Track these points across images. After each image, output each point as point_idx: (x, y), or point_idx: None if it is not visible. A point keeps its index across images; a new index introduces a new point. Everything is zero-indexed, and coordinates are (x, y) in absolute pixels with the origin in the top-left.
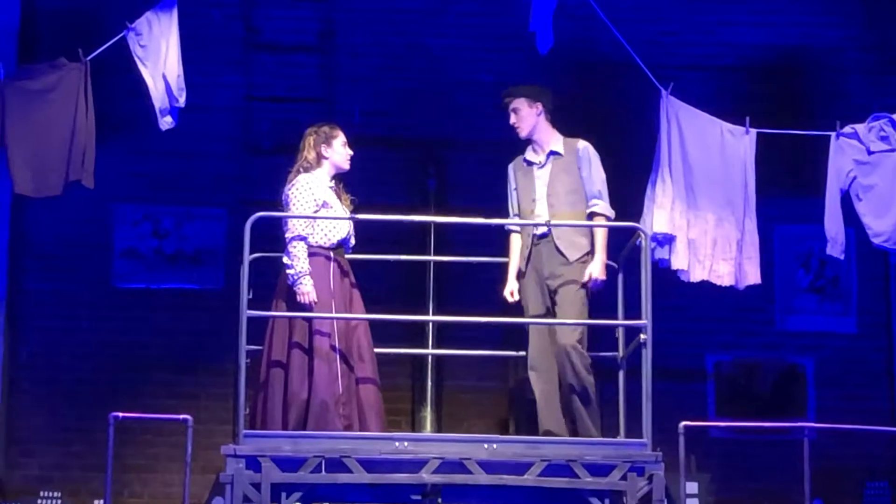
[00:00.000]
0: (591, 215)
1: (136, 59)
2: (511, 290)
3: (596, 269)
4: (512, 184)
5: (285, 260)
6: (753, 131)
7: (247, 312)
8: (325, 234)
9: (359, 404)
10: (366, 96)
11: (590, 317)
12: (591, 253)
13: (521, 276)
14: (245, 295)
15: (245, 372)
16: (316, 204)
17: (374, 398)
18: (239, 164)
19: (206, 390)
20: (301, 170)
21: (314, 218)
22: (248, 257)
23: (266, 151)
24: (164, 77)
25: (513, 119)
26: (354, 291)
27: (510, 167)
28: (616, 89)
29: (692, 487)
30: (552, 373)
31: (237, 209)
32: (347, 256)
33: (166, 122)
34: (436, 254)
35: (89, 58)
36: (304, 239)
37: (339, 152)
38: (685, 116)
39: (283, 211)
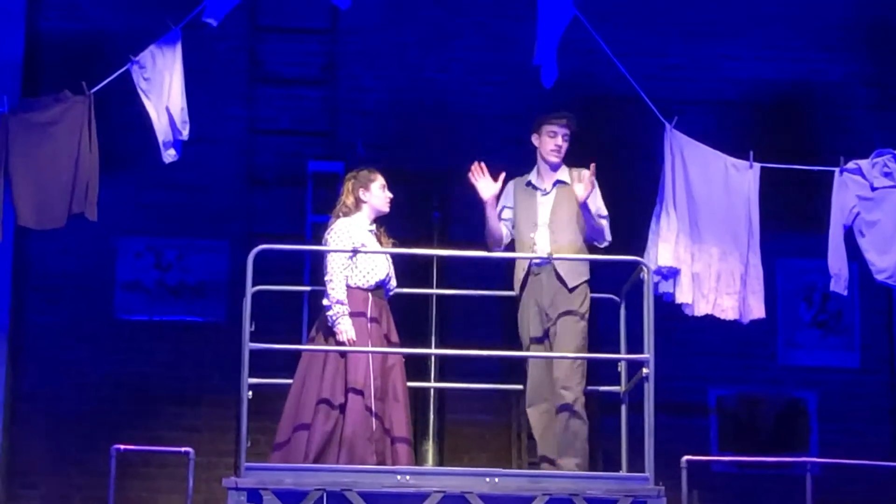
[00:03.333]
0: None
1: (139, 91)
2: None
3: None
4: (509, 201)
5: (325, 302)
6: (757, 166)
7: (249, 345)
8: (364, 276)
9: (391, 444)
10: (369, 129)
11: (591, 350)
12: (589, 281)
13: (517, 301)
14: (247, 327)
15: (247, 404)
16: (353, 247)
17: (406, 439)
18: (242, 197)
19: (208, 423)
20: (340, 214)
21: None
22: (250, 290)
23: (269, 184)
24: (168, 110)
25: (561, 142)
26: (392, 333)
27: (511, 183)
28: (620, 123)
29: None
30: (550, 405)
31: (240, 241)
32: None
33: (170, 155)
34: (439, 287)
35: (93, 91)
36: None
37: (377, 196)
38: (689, 150)
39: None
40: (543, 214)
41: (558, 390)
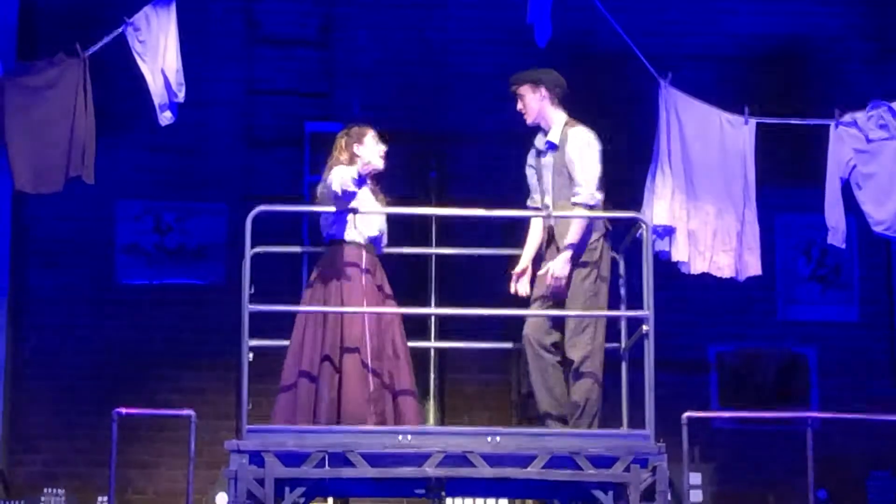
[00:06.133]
0: (583, 206)
1: (134, 54)
2: (515, 272)
3: (556, 266)
4: (530, 165)
5: (336, 189)
6: (753, 121)
7: (248, 307)
8: (360, 231)
9: (394, 402)
10: (366, 90)
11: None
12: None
13: (536, 261)
14: (247, 289)
15: (248, 367)
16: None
17: (411, 392)
18: (240, 159)
19: (209, 385)
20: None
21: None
22: (249, 252)
23: (267, 145)
24: (163, 72)
25: (519, 105)
26: (386, 286)
27: (533, 148)
28: (615, 80)
29: (695, 478)
30: (551, 355)
31: (238, 204)
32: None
33: (166, 118)
34: (437, 246)
35: (88, 53)
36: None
37: (371, 149)
38: (684, 107)
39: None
40: (546, 179)
41: (567, 350)
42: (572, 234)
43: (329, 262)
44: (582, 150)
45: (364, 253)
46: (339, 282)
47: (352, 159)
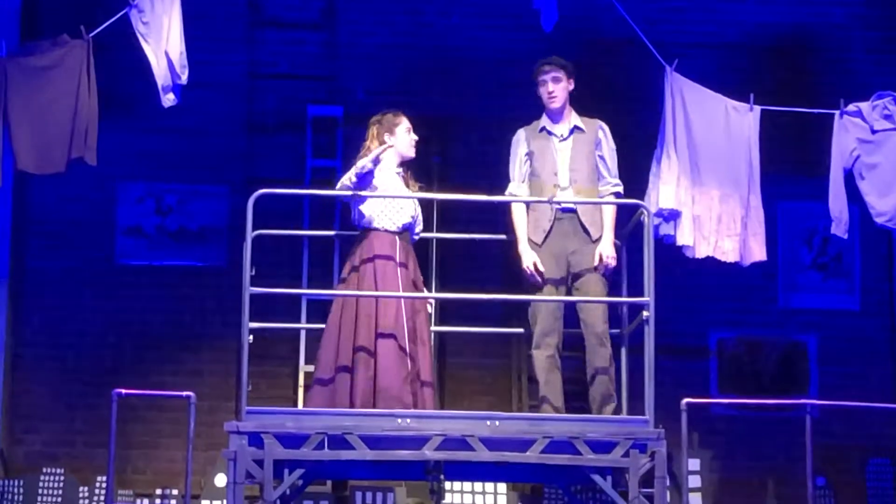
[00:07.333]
0: (615, 195)
1: (138, 35)
2: (534, 262)
3: (607, 249)
4: (522, 148)
5: (340, 186)
6: (757, 108)
7: (249, 289)
8: (391, 218)
9: (421, 388)
10: (370, 74)
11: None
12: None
13: (533, 246)
14: (248, 272)
15: (248, 349)
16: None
17: (431, 383)
18: (242, 142)
19: (209, 367)
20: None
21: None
22: (250, 234)
23: (269, 129)
24: (167, 54)
25: (551, 87)
26: (419, 279)
27: (522, 132)
28: (620, 66)
29: (694, 464)
30: (556, 351)
31: (240, 186)
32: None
33: (169, 99)
34: (439, 231)
35: (92, 34)
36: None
37: (402, 139)
38: (690, 93)
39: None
40: (563, 161)
41: (594, 343)
42: (612, 220)
43: (362, 250)
44: (613, 142)
45: (398, 240)
46: (373, 273)
47: None
